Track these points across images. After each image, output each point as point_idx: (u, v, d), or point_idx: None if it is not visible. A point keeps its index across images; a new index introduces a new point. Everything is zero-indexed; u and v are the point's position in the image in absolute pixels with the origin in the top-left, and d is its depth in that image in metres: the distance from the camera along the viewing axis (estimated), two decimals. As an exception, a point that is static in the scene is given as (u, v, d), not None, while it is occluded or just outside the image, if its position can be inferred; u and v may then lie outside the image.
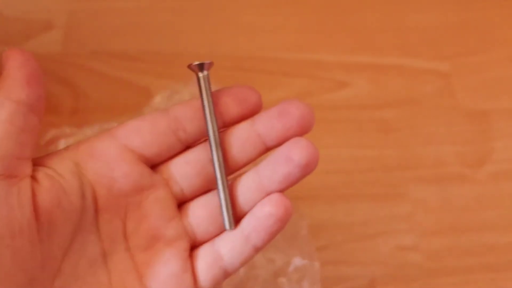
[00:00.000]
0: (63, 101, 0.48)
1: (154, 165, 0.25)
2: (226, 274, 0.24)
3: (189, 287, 0.24)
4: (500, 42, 0.54)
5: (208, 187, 0.25)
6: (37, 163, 0.22)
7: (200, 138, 0.25)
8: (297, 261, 0.39)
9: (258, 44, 0.53)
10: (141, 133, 0.24)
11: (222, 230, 0.25)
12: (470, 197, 0.46)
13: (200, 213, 0.25)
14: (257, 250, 0.24)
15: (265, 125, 0.24)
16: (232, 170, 0.25)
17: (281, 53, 0.53)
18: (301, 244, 0.40)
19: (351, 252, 0.44)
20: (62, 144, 0.44)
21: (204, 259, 0.24)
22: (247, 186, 0.25)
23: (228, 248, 0.24)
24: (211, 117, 0.24)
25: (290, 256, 0.39)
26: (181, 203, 0.25)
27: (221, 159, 0.24)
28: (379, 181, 0.47)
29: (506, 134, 0.49)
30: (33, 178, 0.21)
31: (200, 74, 0.25)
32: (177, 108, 0.25)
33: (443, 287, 0.43)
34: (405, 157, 0.48)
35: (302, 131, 0.25)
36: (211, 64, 0.26)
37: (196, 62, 0.25)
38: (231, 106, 0.25)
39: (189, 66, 0.25)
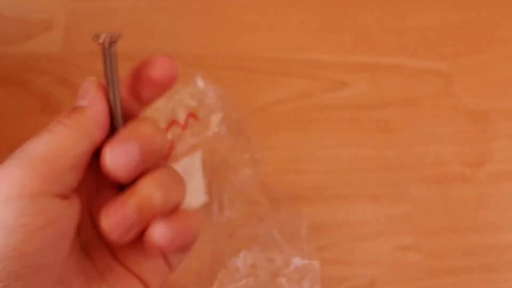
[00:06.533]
0: (63, 101, 0.48)
1: None
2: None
3: (161, 263, 0.25)
4: (500, 42, 0.54)
5: None
6: None
7: None
8: (297, 261, 0.39)
9: (258, 44, 0.53)
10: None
11: None
12: (470, 197, 0.46)
13: None
14: None
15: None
16: None
17: (281, 53, 0.53)
18: (301, 244, 0.40)
19: (351, 252, 0.44)
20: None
21: None
22: None
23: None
24: (114, 96, 0.23)
25: (290, 256, 0.39)
26: None
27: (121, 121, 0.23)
28: (379, 181, 0.47)
29: (506, 134, 0.49)
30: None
31: (106, 48, 0.23)
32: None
33: (443, 287, 0.43)
34: (405, 157, 0.48)
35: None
36: (118, 36, 0.23)
37: (103, 35, 0.23)
38: (146, 93, 0.24)
39: (94, 38, 0.23)
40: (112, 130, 0.23)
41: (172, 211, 0.23)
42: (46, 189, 0.20)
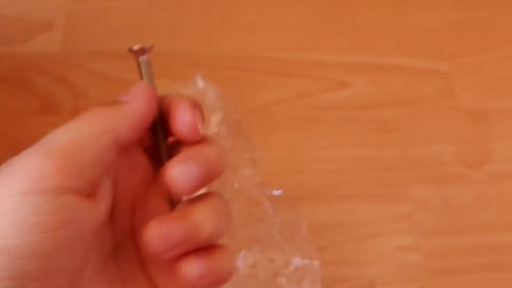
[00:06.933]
0: (63, 101, 0.48)
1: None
2: None
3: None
4: (500, 42, 0.54)
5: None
6: None
7: None
8: (297, 261, 0.39)
9: (258, 44, 0.53)
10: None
11: None
12: (470, 197, 0.46)
13: None
14: None
15: None
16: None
17: (281, 53, 0.53)
18: (301, 244, 0.40)
19: (351, 252, 0.44)
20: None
21: None
22: None
23: None
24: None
25: (290, 256, 0.39)
26: None
27: (165, 148, 0.24)
28: (379, 181, 0.47)
29: (506, 134, 0.49)
30: None
31: (140, 58, 0.24)
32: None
33: (443, 287, 0.43)
34: (405, 157, 0.48)
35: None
36: (151, 48, 0.24)
37: (136, 46, 0.24)
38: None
39: (129, 50, 0.24)
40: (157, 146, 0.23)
41: (214, 244, 0.22)
42: (65, 185, 0.19)
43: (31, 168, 0.19)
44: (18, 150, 0.21)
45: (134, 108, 0.22)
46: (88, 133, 0.21)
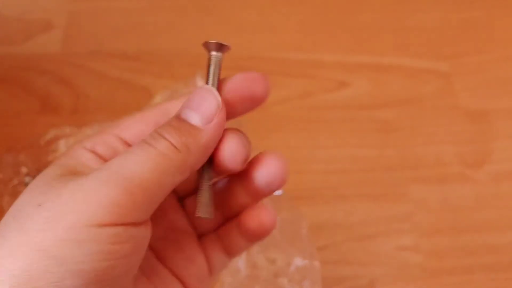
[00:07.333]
0: (63, 101, 0.48)
1: None
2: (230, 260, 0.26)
3: (204, 268, 0.25)
4: (500, 42, 0.55)
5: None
6: None
7: None
8: (298, 261, 0.39)
9: (258, 44, 0.53)
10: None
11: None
12: (470, 197, 0.46)
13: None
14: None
15: None
16: None
17: (281, 53, 0.53)
18: (301, 244, 0.40)
19: (351, 252, 0.44)
20: (62, 144, 0.43)
21: (211, 246, 0.26)
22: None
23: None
24: None
25: (291, 256, 0.39)
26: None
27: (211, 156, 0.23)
28: (379, 181, 0.47)
29: (506, 134, 0.49)
30: None
31: (213, 53, 0.23)
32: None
33: (443, 287, 0.43)
34: (405, 157, 0.48)
35: None
36: (227, 47, 0.23)
37: (213, 41, 0.23)
38: (236, 106, 0.24)
39: (204, 44, 0.23)
40: None
41: None
42: (138, 218, 0.20)
43: (108, 201, 0.19)
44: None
45: (210, 139, 0.21)
46: (167, 169, 0.20)
